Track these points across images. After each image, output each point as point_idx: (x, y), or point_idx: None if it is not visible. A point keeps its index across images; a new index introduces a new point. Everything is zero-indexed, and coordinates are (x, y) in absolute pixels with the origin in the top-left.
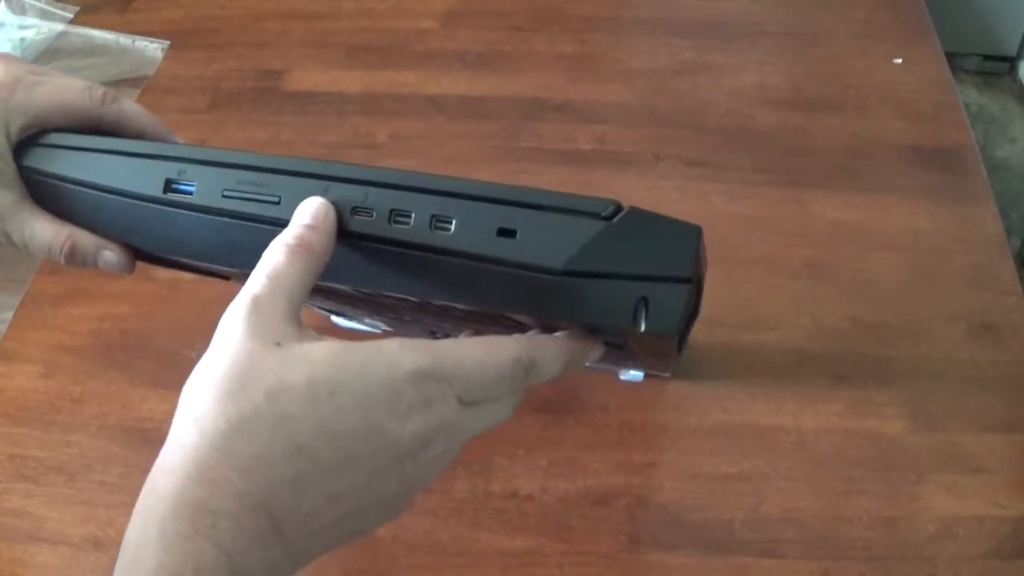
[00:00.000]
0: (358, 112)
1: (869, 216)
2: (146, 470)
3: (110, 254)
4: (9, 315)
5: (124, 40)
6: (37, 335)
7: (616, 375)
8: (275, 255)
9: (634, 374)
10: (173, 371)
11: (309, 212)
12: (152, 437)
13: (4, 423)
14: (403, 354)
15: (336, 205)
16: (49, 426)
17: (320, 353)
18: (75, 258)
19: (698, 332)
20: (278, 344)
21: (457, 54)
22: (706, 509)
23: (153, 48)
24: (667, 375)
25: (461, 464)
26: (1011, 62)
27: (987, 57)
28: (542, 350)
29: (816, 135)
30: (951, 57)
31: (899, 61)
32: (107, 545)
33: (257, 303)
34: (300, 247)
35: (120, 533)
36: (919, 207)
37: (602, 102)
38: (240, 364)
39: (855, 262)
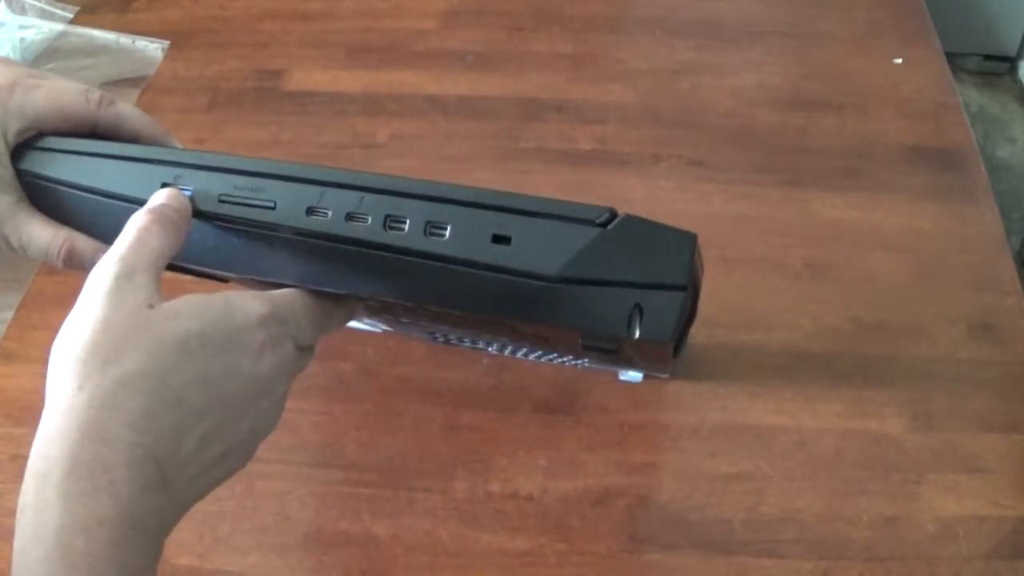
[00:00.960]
0: (358, 112)
1: (869, 216)
2: None
3: None
4: (9, 315)
5: (124, 40)
6: (37, 335)
7: (615, 375)
8: (138, 221)
9: (633, 374)
10: None
11: (163, 194)
12: None
13: (5, 423)
14: (251, 302)
15: (330, 211)
16: None
17: (186, 309)
18: (72, 261)
19: (698, 332)
20: (150, 306)
21: (457, 54)
22: (706, 509)
23: (153, 48)
24: (666, 376)
25: (461, 464)
26: (1011, 62)
27: (987, 57)
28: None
29: (816, 135)
30: (951, 57)
31: (899, 61)
32: None
33: (127, 267)
34: (162, 216)
35: None
36: (919, 207)
37: (602, 102)
38: (117, 328)
39: (855, 262)
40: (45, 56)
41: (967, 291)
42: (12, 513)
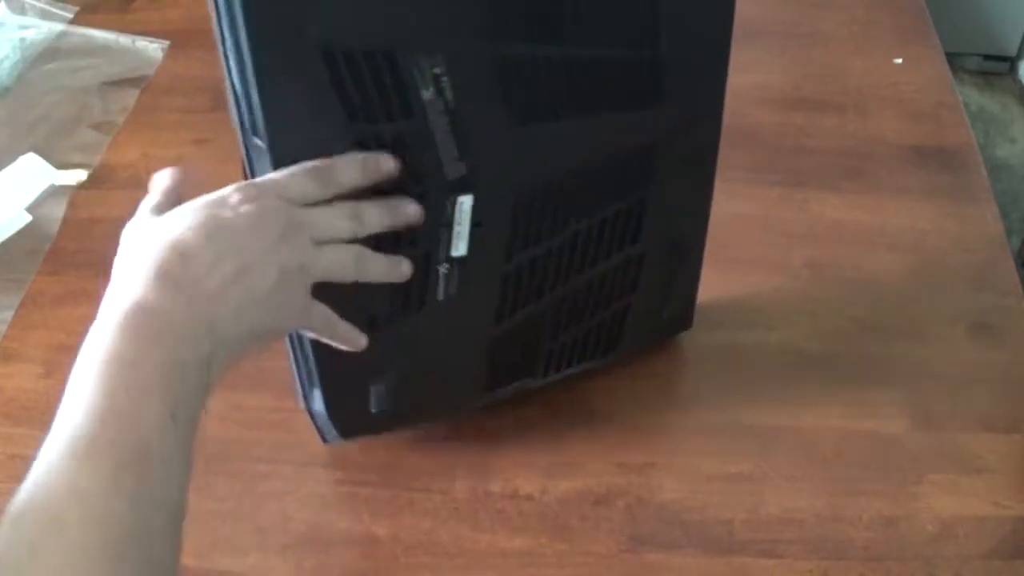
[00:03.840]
0: None
1: (869, 216)
2: None
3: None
4: (9, 315)
5: (124, 40)
6: (37, 335)
7: (617, 373)
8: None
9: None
10: None
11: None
12: None
13: (4, 423)
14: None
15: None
16: (49, 426)
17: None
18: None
19: (698, 332)
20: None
21: None
22: (706, 509)
23: (153, 48)
24: None
25: (461, 464)
26: (1011, 62)
27: (987, 57)
28: (370, 205)
29: (816, 135)
30: (951, 57)
31: (899, 61)
32: None
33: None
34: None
35: None
36: (919, 207)
37: None
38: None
39: (855, 262)
40: (45, 56)
41: (967, 291)
42: None
